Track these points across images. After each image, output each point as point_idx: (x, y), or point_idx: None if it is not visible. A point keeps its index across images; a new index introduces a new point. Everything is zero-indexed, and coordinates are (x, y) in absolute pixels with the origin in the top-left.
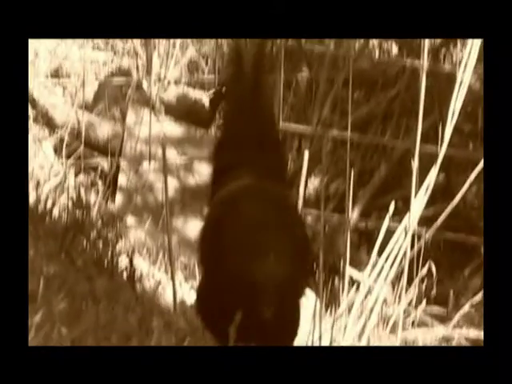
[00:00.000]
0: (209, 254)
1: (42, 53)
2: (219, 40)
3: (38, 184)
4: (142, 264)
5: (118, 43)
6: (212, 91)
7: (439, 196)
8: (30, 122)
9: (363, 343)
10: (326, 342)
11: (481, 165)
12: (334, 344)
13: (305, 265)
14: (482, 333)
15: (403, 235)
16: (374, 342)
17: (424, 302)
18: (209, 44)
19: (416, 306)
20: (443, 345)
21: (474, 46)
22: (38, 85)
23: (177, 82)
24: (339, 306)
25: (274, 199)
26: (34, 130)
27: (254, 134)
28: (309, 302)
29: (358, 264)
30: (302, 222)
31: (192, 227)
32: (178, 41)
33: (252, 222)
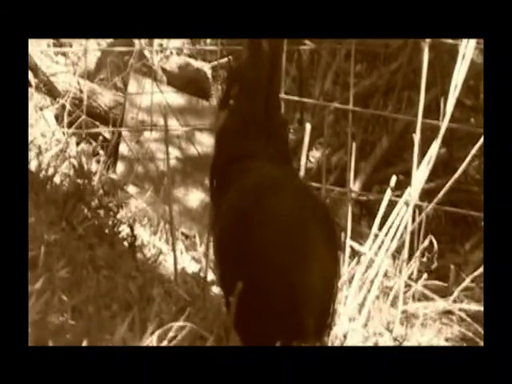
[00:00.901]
0: (237, 257)
1: None
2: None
3: (39, 152)
4: (142, 233)
5: None
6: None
7: (441, 170)
8: (32, 90)
9: (364, 315)
10: None
11: (482, 139)
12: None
13: (338, 265)
14: (482, 307)
15: (404, 208)
16: (375, 315)
17: (425, 275)
18: None
19: (417, 280)
20: (444, 319)
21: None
22: (40, 53)
23: (179, 53)
24: (340, 278)
25: (301, 191)
26: (36, 99)
27: (264, 121)
28: None
29: (359, 237)
30: (332, 218)
31: (193, 197)
32: None
33: (287, 219)
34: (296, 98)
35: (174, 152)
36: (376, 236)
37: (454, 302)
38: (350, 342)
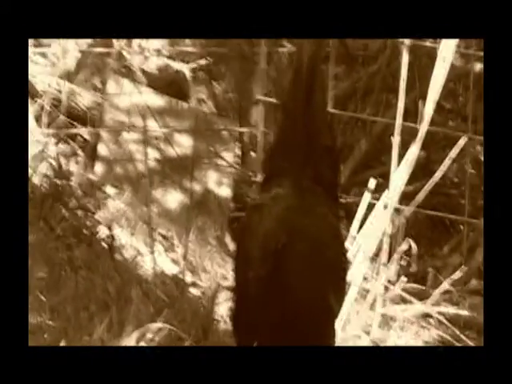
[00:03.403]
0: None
1: None
2: None
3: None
4: (121, 234)
5: None
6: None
7: (419, 173)
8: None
9: (342, 318)
10: None
11: (461, 141)
12: None
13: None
14: (460, 311)
15: (383, 211)
16: (353, 318)
17: (403, 278)
18: None
19: (395, 283)
20: (422, 322)
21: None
22: None
23: (158, 54)
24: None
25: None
26: None
27: (304, 144)
28: None
29: None
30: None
31: (172, 199)
32: None
33: (310, 243)
34: (274, 101)
35: (153, 153)
36: (354, 238)
37: (433, 305)
38: None
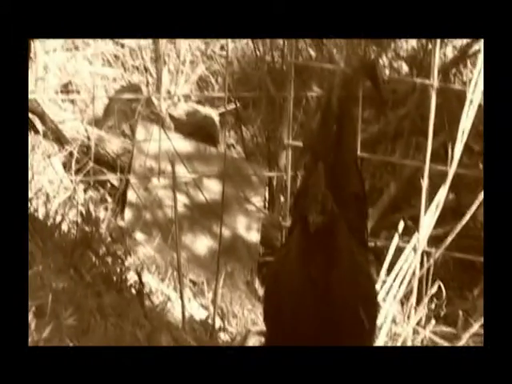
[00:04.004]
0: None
1: (52, 68)
2: (229, 58)
3: (47, 199)
4: (150, 280)
5: (128, 60)
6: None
7: (449, 215)
8: (40, 137)
9: None
10: None
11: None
12: None
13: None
14: None
15: (412, 254)
16: None
17: (433, 321)
18: (219, 61)
19: (425, 326)
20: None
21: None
22: (48, 100)
23: (186, 99)
24: None
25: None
26: (44, 146)
27: (334, 191)
28: None
29: None
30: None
31: (201, 244)
32: (188, 57)
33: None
34: (302, 145)
35: (182, 199)
36: (384, 282)
37: None
38: None
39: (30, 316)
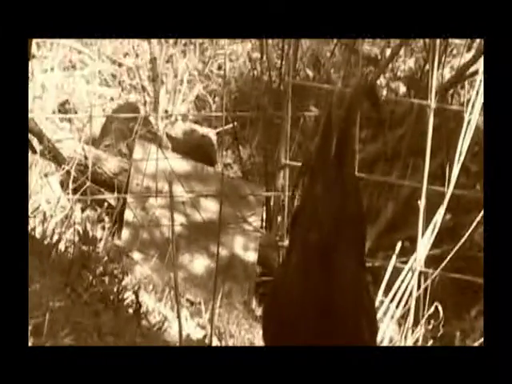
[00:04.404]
0: None
1: (50, 88)
2: (227, 77)
3: (44, 218)
4: (147, 300)
5: (126, 79)
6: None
7: (446, 236)
8: (37, 157)
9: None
10: None
11: None
12: None
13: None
14: None
15: (410, 275)
16: None
17: (430, 341)
18: (216, 81)
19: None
20: None
21: (482, 87)
22: (45, 119)
23: (184, 119)
24: None
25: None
26: (41, 165)
27: (333, 211)
28: None
29: None
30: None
31: (198, 264)
32: (186, 77)
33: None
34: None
35: (179, 218)
36: (381, 302)
37: None
38: None
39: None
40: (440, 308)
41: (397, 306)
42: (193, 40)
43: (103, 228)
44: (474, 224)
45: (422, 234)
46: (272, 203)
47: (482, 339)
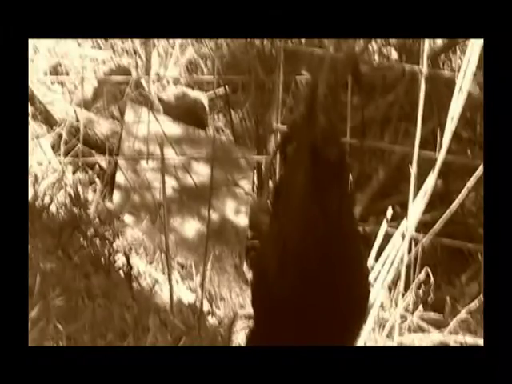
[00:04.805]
0: None
1: (42, 50)
2: (218, 41)
3: (35, 180)
4: (138, 263)
5: (118, 42)
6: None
7: (437, 202)
8: (28, 118)
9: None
10: None
11: (479, 171)
12: None
13: None
14: (478, 339)
15: (400, 240)
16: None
17: (420, 307)
18: (208, 45)
19: (412, 311)
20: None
21: (474, 52)
22: (37, 82)
23: (176, 82)
24: None
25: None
26: (32, 127)
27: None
28: None
29: None
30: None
31: (189, 227)
32: (178, 41)
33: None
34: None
35: (171, 181)
36: (372, 267)
37: (450, 333)
38: None
39: None
40: (430, 273)
41: (387, 272)
42: None
43: (94, 190)
44: (465, 190)
45: (413, 200)
46: (263, 167)
47: (472, 304)
